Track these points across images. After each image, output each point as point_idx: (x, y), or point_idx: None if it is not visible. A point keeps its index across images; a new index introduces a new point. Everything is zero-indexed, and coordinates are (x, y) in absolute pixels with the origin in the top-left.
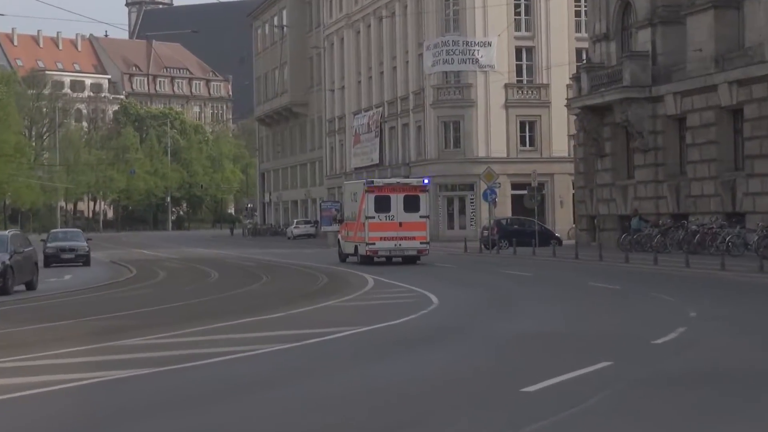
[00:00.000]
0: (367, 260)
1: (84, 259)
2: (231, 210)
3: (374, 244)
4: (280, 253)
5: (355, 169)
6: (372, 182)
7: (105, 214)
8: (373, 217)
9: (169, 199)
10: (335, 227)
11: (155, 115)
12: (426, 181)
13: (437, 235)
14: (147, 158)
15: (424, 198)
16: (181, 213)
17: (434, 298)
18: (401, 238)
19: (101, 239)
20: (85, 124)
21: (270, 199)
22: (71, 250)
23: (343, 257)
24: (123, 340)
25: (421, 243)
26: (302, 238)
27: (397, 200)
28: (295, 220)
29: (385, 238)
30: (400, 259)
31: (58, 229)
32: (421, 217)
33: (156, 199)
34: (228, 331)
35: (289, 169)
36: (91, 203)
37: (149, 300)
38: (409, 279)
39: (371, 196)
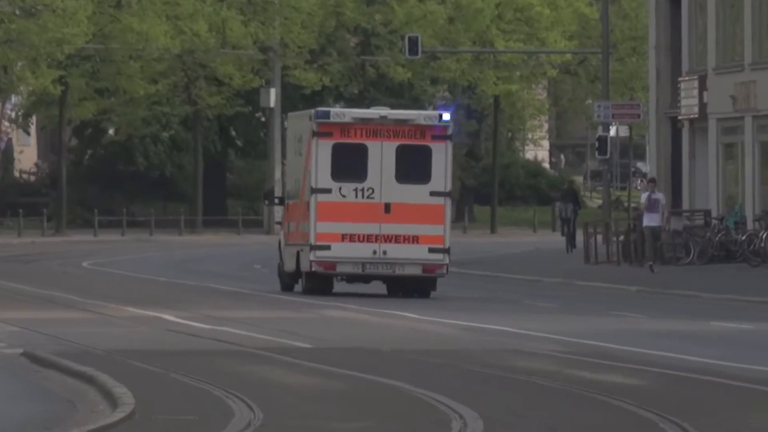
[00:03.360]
0: (319, 285)
1: None
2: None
3: (328, 248)
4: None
5: None
6: (327, 114)
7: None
8: (328, 191)
9: (274, 100)
10: None
11: None
12: (446, 116)
13: None
14: None
15: (441, 153)
16: None
17: None
18: (388, 238)
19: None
20: None
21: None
22: None
23: (285, 281)
24: None
25: (431, 250)
26: None
27: (381, 155)
28: None
29: (351, 237)
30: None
31: None
32: (433, 194)
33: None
34: None
35: None
36: None
37: None
38: None
39: (325, 146)
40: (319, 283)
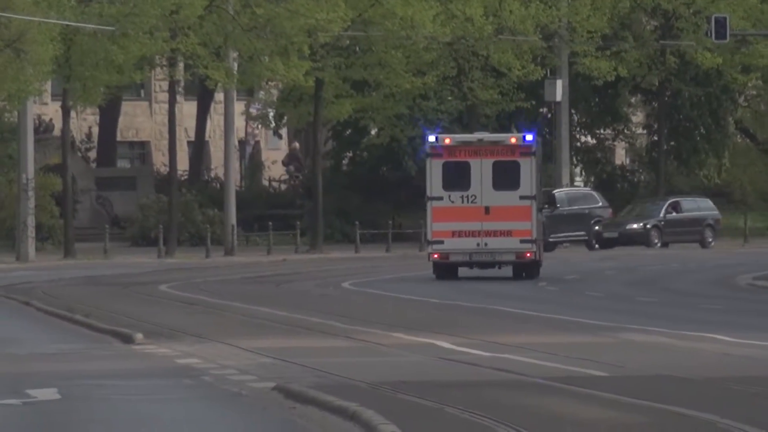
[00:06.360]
0: (443, 270)
1: None
2: None
3: (442, 242)
4: None
5: None
6: (436, 140)
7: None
8: (440, 199)
9: None
10: None
11: None
12: (530, 137)
13: None
14: None
15: (527, 166)
16: None
17: None
18: (488, 233)
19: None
20: None
21: None
22: None
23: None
24: None
25: (522, 241)
26: None
27: (481, 170)
28: None
29: (460, 233)
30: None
31: None
32: (522, 198)
33: None
34: None
35: None
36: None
37: None
38: None
39: (437, 164)
40: (443, 270)
